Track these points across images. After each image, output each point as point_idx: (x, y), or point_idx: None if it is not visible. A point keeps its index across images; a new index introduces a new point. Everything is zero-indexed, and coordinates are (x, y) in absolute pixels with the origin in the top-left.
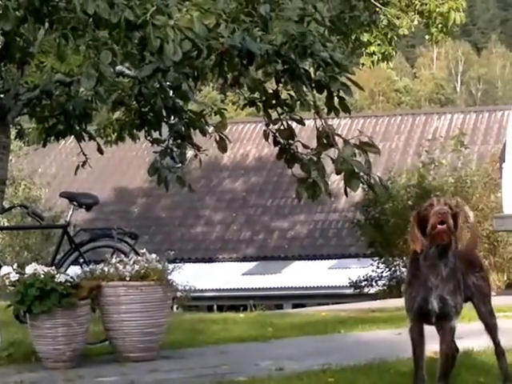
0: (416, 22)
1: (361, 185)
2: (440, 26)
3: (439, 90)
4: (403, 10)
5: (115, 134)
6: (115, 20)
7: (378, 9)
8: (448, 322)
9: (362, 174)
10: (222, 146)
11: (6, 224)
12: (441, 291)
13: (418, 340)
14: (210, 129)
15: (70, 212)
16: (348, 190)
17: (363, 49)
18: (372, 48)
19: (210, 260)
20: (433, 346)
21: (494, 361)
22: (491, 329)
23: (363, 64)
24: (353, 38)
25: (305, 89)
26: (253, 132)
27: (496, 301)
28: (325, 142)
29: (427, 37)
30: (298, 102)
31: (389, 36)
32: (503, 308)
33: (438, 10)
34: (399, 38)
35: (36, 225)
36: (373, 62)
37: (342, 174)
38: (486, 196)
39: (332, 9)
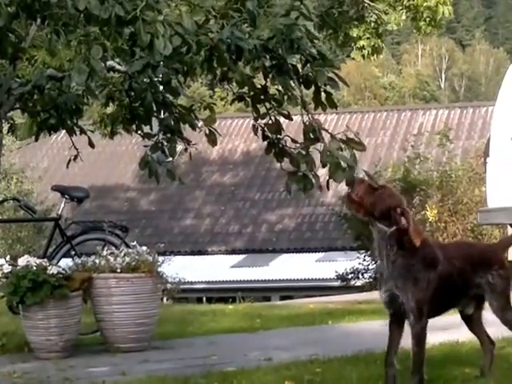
0: (404, 17)
1: None
2: (428, 19)
3: (424, 87)
4: (391, 5)
5: (107, 128)
6: (105, 16)
7: (366, 4)
8: (407, 318)
9: (346, 167)
10: (212, 139)
11: None
12: (390, 286)
13: (390, 330)
14: (200, 123)
15: (62, 205)
16: (332, 183)
17: (353, 44)
18: (361, 42)
19: (199, 253)
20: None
21: (478, 352)
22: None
23: (353, 58)
24: (342, 33)
25: (292, 84)
26: (241, 127)
27: None
28: (311, 136)
29: (415, 30)
30: (286, 97)
31: (379, 30)
32: None
33: (425, 4)
34: (387, 32)
35: (28, 218)
36: (363, 55)
37: (327, 167)
38: (470, 190)
39: (321, 5)
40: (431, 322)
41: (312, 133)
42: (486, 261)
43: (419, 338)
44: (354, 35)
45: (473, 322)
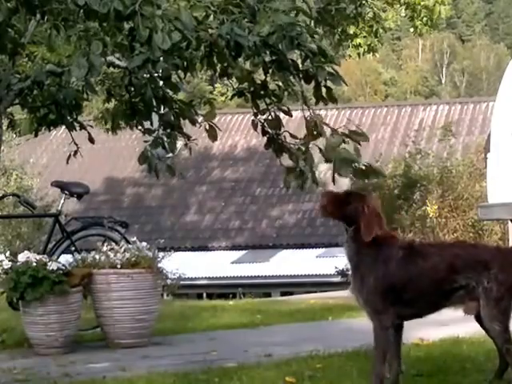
0: (403, 14)
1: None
2: (425, 19)
3: (424, 82)
4: (389, 2)
5: (108, 124)
6: (104, 10)
7: (364, 1)
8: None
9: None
10: (212, 134)
11: None
12: (351, 286)
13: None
14: (200, 118)
15: (62, 201)
16: (336, 177)
17: (349, 41)
18: (358, 40)
19: (200, 248)
20: (418, 332)
21: (479, 347)
22: (493, 335)
23: (350, 56)
24: (339, 30)
25: (292, 79)
26: (241, 123)
27: None
28: (313, 131)
29: (412, 29)
30: (286, 93)
31: (374, 28)
32: None
33: (423, 3)
34: (385, 30)
35: (28, 213)
36: (359, 53)
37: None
38: (470, 186)
39: (319, 1)
40: (432, 317)
41: (314, 128)
42: (479, 262)
43: (376, 336)
44: (351, 32)
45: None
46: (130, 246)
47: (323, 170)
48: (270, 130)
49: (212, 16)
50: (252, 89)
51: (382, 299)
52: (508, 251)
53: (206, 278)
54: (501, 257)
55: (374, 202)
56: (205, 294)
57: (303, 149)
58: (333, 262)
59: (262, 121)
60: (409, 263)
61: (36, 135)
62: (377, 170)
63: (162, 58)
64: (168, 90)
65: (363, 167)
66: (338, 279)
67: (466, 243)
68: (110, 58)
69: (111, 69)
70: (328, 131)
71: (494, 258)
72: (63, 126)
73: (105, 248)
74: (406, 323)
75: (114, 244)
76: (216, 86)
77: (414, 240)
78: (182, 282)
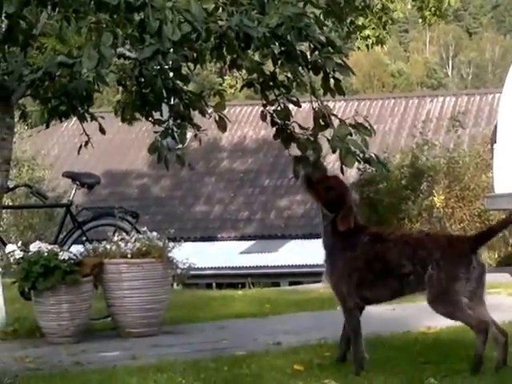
0: (409, 6)
1: (356, 165)
2: (433, 9)
3: (431, 74)
4: None
5: (118, 113)
6: (115, 2)
7: None
8: None
9: (357, 152)
10: (222, 125)
11: (11, 204)
12: (325, 270)
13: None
14: (209, 109)
15: (73, 191)
16: (344, 168)
17: (358, 32)
18: (366, 32)
19: (209, 239)
20: (425, 320)
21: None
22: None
23: (358, 47)
24: (348, 21)
25: (301, 70)
26: (250, 114)
27: (488, 278)
28: (321, 122)
29: (420, 20)
30: (295, 83)
31: (383, 20)
32: (495, 285)
33: None
34: (393, 21)
35: (40, 204)
36: (367, 45)
37: (337, 152)
38: (477, 176)
39: None
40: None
41: (322, 119)
42: (424, 249)
43: (349, 323)
44: (360, 24)
45: None
46: (140, 235)
47: (331, 160)
48: (278, 121)
49: (221, 8)
50: (261, 80)
51: (347, 283)
52: (455, 238)
53: (215, 267)
54: (446, 244)
55: (352, 194)
56: (214, 284)
57: (312, 139)
58: None
59: (271, 111)
60: (370, 248)
61: (47, 126)
62: (382, 162)
63: (172, 50)
64: (178, 81)
65: (369, 157)
66: None
67: (424, 232)
68: (120, 50)
69: (122, 60)
70: (336, 122)
71: (439, 245)
72: (74, 118)
73: (115, 238)
74: (413, 311)
75: (124, 234)
76: (225, 78)
77: (385, 229)
78: (191, 272)
